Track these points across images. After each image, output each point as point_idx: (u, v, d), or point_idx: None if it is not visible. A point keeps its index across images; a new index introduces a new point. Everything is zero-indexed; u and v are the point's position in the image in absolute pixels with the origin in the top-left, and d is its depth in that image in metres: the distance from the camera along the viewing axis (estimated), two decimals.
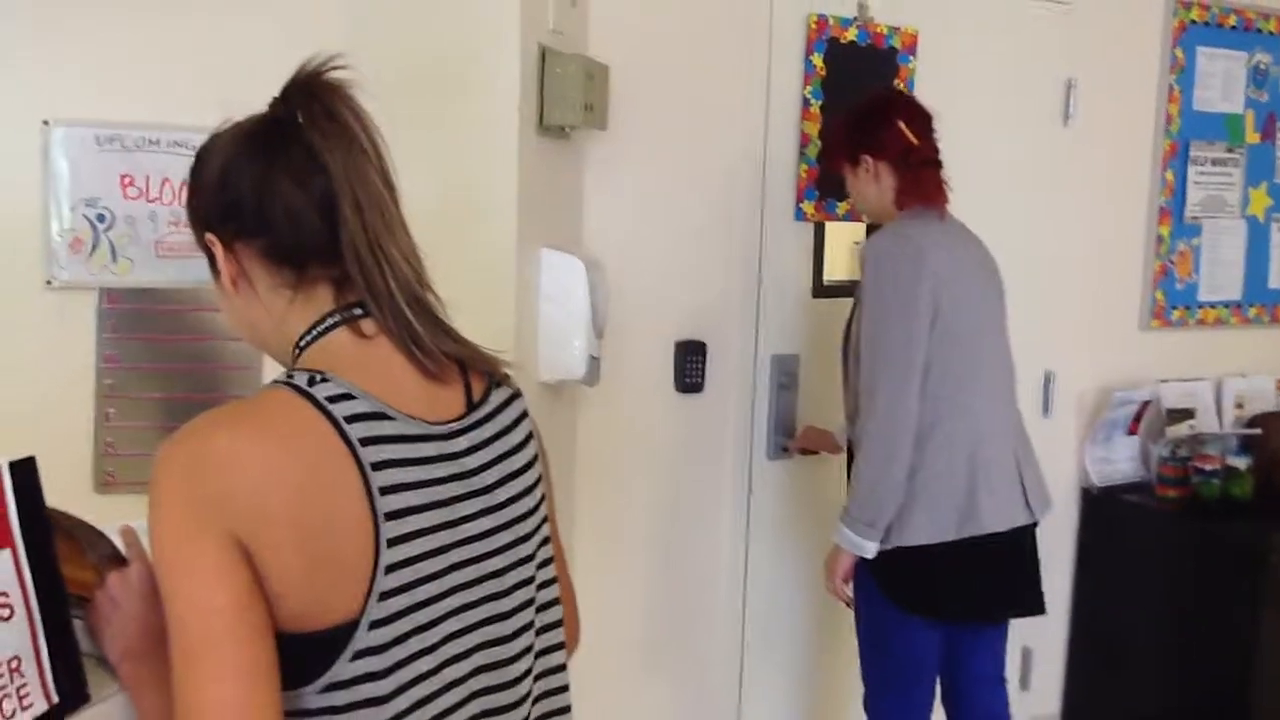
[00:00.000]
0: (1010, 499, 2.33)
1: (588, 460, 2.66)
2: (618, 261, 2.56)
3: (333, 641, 0.96)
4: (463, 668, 1.06)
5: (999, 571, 2.36)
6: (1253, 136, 3.54)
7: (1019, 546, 2.36)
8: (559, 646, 1.20)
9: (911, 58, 2.91)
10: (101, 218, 2.02)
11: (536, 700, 1.16)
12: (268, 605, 0.94)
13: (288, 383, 1.00)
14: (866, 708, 2.50)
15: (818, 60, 2.78)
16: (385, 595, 0.98)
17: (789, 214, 2.82)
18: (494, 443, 1.11)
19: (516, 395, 1.18)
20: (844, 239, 3.03)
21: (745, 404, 2.83)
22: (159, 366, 2.09)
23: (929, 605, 2.33)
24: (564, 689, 1.22)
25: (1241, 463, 3.20)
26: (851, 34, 2.82)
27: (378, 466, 0.98)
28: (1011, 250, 3.10)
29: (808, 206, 2.83)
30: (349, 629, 0.96)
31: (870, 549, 2.27)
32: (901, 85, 2.90)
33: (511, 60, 2.11)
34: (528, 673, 1.13)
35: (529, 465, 1.15)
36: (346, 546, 0.96)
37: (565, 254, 2.29)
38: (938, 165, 2.38)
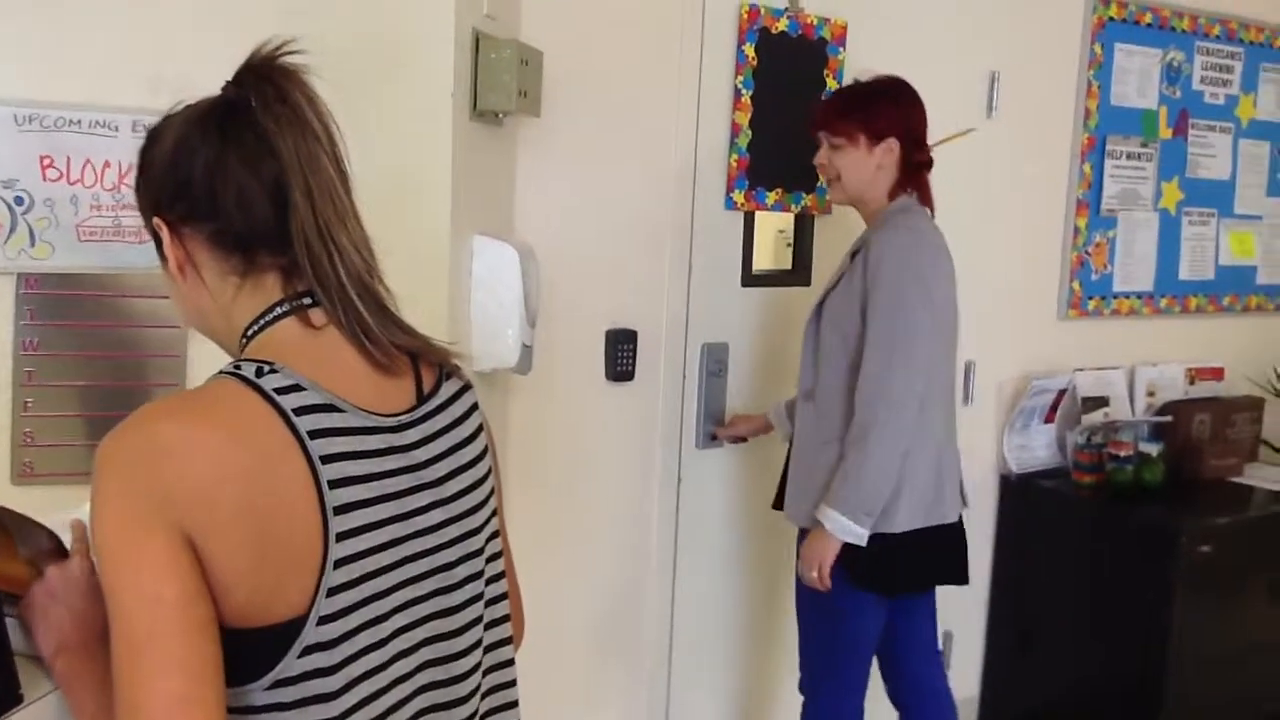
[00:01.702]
0: (958, 497, 2.47)
1: (519, 448, 2.65)
2: (550, 249, 2.55)
3: (280, 637, 0.95)
4: (410, 662, 1.05)
5: (948, 551, 2.46)
6: (1165, 132, 3.64)
7: (959, 529, 2.49)
8: (507, 641, 1.20)
9: (841, 49, 2.94)
10: (20, 200, 1.95)
11: (486, 694, 1.16)
12: (214, 600, 0.92)
13: (235, 373, 0.98)
14: (803, 689, 2.54)
15: (749, 50, 2.80)
16: (334, 590, 0.97)
17: (719, 203, 2.83)
18: (445, 435, 1.10)
19: (467, 387, 1.17)
20: (772, 228, 3.06)
21: (675, 392, 2.84)
22: (80, 354, 2.03)
23: (886, 582, 2.39)
24: (512, 684, 1.21)
25: (1153, 449, 3.30)
26: (783, 24, 2.84)
27: (327, 459, 0.97)
28: None
29: (738, 196, 2.84)
30: (297, 624, 0.95)
31: (863, 537, 2.28)
32: (830, 77, 2.93)
33: (445, 45, 2.08)
34: (476, 667, 1.12)
35: (479, 458, 1.14)
36: (294, 540, 0.95)
37: (498, 241, 2.28)
38: (931, 167, 2.44)
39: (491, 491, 1.17)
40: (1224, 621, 3.10)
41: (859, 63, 2.95)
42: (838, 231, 3.02)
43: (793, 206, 2.94)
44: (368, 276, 1.07)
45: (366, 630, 1.00)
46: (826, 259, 3.03)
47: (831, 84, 2.94)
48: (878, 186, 2.40)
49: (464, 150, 2.16)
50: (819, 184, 2.95)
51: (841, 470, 2.29)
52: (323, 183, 1.04)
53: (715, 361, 2.87)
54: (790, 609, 3.12)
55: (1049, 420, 3.44)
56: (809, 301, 3.00)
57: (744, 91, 2.81)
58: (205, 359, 2.18)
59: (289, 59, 1.10)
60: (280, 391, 0.97)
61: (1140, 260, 3.65)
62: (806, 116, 2.50)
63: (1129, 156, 3.56)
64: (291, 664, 0.95)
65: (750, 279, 2.93)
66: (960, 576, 2.52)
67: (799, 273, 3.03)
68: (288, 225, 1.03)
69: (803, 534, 2.44)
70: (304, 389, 0.98)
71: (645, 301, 2.77)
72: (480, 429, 1.16)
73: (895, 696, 2.63)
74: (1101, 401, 3.50)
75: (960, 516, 2.48)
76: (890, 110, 2.39)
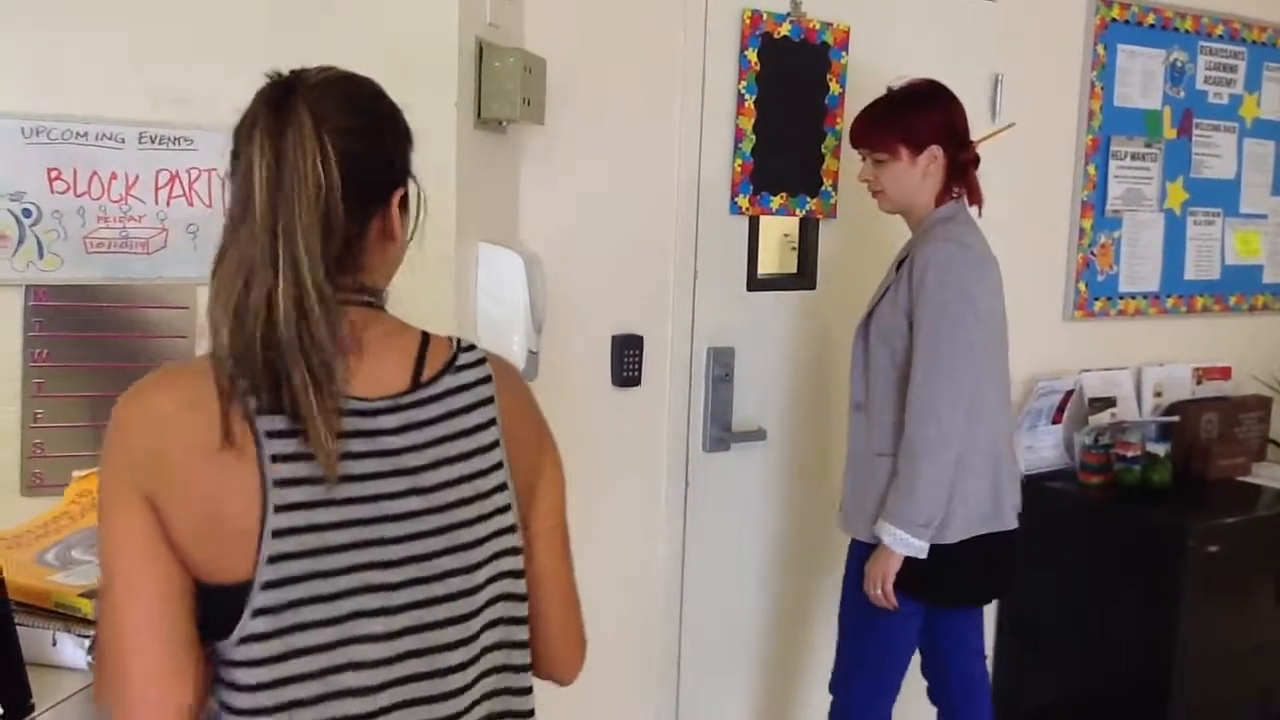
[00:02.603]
0: (1016, 502, 2.46)
1: None
2: (554, 256, 2.56)
3: (236, 597, 1.01)
4: (384, 649, 1.06)
5: (1002, 561, 2.45)
6: (1170, 132, 3.63)
7: (1016, 539, 2.46)
8: (522, 644, 1.18)
9: (844, 53, 2.94)
10: (27, 212, 1.96)
11: (489, 696, 1.15)
12: (180, 555, 1.02)
13: (207, 360, 1.05)
14: (834, 688, 2.56)
15: (752, 55, 2.80)
16: (276, 559, 1.01)
17: (724, 208, 2.84)
18: (434, 425, 1.10)
19: (485, 380, 1.16)
20: (777, 232, 3.06)
21: (682, 397, 2.84)
22: (88, 365, 2.04)
23: (931, 592, 2.38)
24: (524, 690, 1.19)
25: (1161, 449, 3.30)
26: (785, 29, 2.85)
27: (272, 435, 1.02)
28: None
29: (742, 200, 2.85)
30: (246, 588, 1.01)
31: (922, 549, 2.28)
32: (833, 81, 2.93)
33: (449, 54, 2.09)
34: (470, 663, 1.11)
35: (478, 452, 1.13)
36: (233, 508, 1.01)
37: (503, 248, 2.29)
38: (978, 163, 2.43)
39: (498, 488, 1.14)
40: (1232, 621, 3.09)
41: (862, 67, 2.96)
42: (843, 235, 3.03)
43: (797, 211, 2.95)
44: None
45: (316, 604, 1.03)
46: (831, 263, 3.04)
47: (835, 88, 2.94)
48: (924, 194, 2.40)
49: (468, 158, 2.17)
50: (823, 187, 2.96)
51: (895, 485, 2.31)
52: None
53: (722, 366, 2.87)
54: (803, 611, 3.14)
55: (1056, 421, 3.44)
56: (814, 305, 3.02)
57: (747, 96, 2.81)
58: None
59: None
60: (234, 374, 1.03)
61: (1146, 261, 3.65)
62: (851, 132, 2.52)
63: (1133, 157, 3.56)
64: (248, 624, 1.01)
65: (756, 283, 2.93)
66: (1008, 585, 2.54)
67: (804, 276, 3.03)
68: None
69: (854, 543, 2.48)
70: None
71: (651, 307, 2.77)
72: (490, 423, 1.14)
73: (935, 695, 2.65)
74: (1108, 402, 3.50)
75: (1018, 525, 2.47)
76: (928, 116, 2.38)
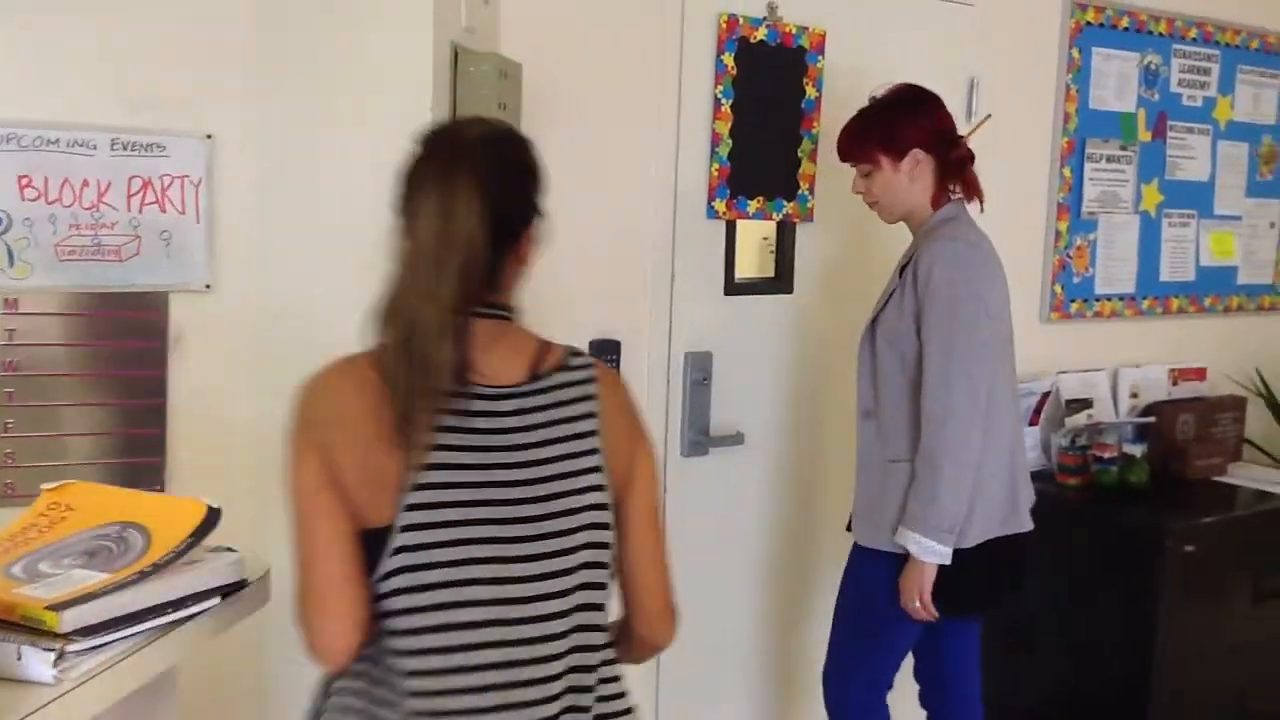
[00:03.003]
0: (1030, 503, 2.45)
1: None
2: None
3: (382, 539, 1.27)
4: (493, 591, 1.29)
5: (1018, 563, 2.43)
6: (1144, 135, 3.66)
7: (1032, 540, 2.45)
8: (599, 606, 1.39)
9: (820, 57, 2.95)
10: None
11: (571, 649, 1.34)
12: (346, 500, 1.28)
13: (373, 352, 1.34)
14: (828, 680, 2.54)
15: (728, 59, 2.80)
16: (413, 507, 1.27)
17: (701, 212, 2.83)
18: (544, 411, 1.35)
19: (591, 380, 1.40)
20: (756, 236, 3.06)
21: (660, 402, 2.84)
22: (60, 374, 2.02)
23: (952, 601, 2.32)
24: (601, 646, 1.39)
25: (1137, 450, 3.32)
26: (761, 34, 2.85)
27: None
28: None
29: (719, 205, 2.84)
30: (388, 531, 1.26)
31: (947, 555, 2.25)
32: (810, 85, 2.94)
33: (423, 59, 2.09)
34: (555, 615, 1.32)
35: (577, 436, 1.36)
36: (387, 463, 1.27)
37: None
38: (973, 159, 2.41)
39: (593, 469, 1.37)
40: (1210, 620, 3.11)
41: (839, 70, 2.96)
42: (820, 239, 3.04)
43: (774, 215, 2.95)
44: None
45: (442, 548, 1.27)
46: (809, 266, 3.04)
47: (811, 92, 2.95)
48: (917, 198, 2.39)
49: None
50: (800, 191, 2.96)
51: (915, 492, 2.27)
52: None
53: (699, 370, 2.87)
54: (784, 616, 3.13)
55: (1033, 423, 3.44)
56: (792, 309, 3.02)
57: (724, 101, 2.81)
58: (187, 377, 2.18)
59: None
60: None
61: (1121, 262, 3.67)
62: (836, 146, 2.52)
63: (1109, 159, 3.57)
64: (389, 561, 1.26)
65: (733, 287, 2.93)
66: (1010, 596, 2.51)
67: (782, 280, 3.03)
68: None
69: (858, 548, 2.45)
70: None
71: (628, 311, 2.76)
72: (589, 415, 1.38)
73: (929, 700, 2.64)
74: (1085, 404, 3.51)
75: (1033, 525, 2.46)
76: (905, 121, 2.38)
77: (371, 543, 1.28)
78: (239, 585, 1.40)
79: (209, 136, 2.18)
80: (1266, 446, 3.96)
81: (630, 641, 1.49)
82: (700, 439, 2.88)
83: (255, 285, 2.23)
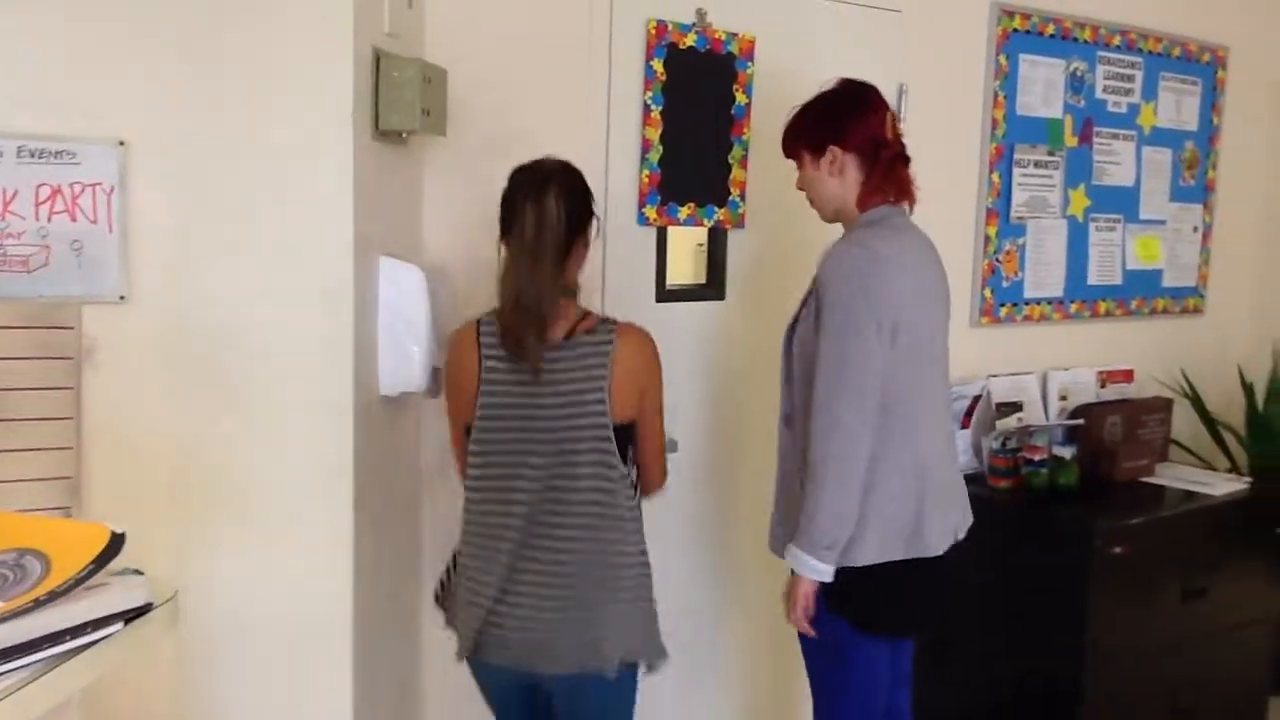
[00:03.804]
0: (953, 520, 2.34)
1: (434, 476, 2.60)
2: (460, 269, 2.52)
3: (469, 429, 2.12)
4: (539, 472, 2.06)
5: (926, 591, 2.33)
6: (1071, 140, 3.70)
7: (947, 566, 2.35)
8: (612, 466, 2.08)
9: (750, 63, 2.94)
10: None
11: (593, 493, 2.07)
12: (458, 410, 2.17)
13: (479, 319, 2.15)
14: None
15: (658, 66, 2.79)
16: (480, 417, 2.10)
17: (631, 219, 2.81)
18: (562, 365, 2.05)
19: (604, 342, 2.06)
20: (689, 242, 3.05)
21: None
22: None
23: (875, 622, 2.28)
24: (616, 490, 2.09)
25: (1067, 452, 3.35)
26: (691, 39, 2.84)
27: (486, 357, 2.09)
28: (812, 249, 3.17)
29: (650, 211, 2.83)
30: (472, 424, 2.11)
31: (827, 573, 2.19)
32: (739, 91, 2.93)
33: (344, 64, 2.05)
34: (582, 476, 2.06)
35: (589, 378, 2.04)
36: (469, 385, 2.11)
37: (404, 263, 2.24)
38: (907, 160, 2.32)
39: (597, 399, 2.04)
40: (1139, 619, 3.15)
41: (769, 76, 2.96)
42: (752, 245, 3.03)
43: (705, 221, 2.94)
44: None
45: (499, 439, 2.09)
46: (741, 273, 3.03)
47: (741, 98, 2.94)
48: (841, 198, 2.30)
49: (366, 170, 2.12)
50: (731, 197, 2.95)
51: (801, 506, 2.20)
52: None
53: None
54: (712, 626, 3.12)
55: (964, 426, 3.47)
56: (724, 315, 3.01)
57: (653, 107, 2.80)
58: (100, 392, 2.12)
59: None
60: (484, 326, 2.12)
61: (1050, 266, 3.71)
62: (783, 135, 2.43)
63: (1036, 165, 3.61)
64: (470, 447, 2.12)
65: (665, 294, 2.92)
66: (933, 623, 2.42)
67: (714, 287, 3.02)
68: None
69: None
70: (493, 325, 2.10)
71: None
72: (601, 364, 2.05)
73: None
74: (1015, 406, 3.54)
75: (949, 550, 2.35)
76: (823, 117, 2.31)
77: (469, 431, 2.11)
78: (143, 609, 1.34)
79: (121, 143, 2.11)
80: (1192, 447, 4.03)
81: (641, 486, 2.19)
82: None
83: (173, 296, 2.17)
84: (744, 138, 2.96)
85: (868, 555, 2.20)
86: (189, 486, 2.19)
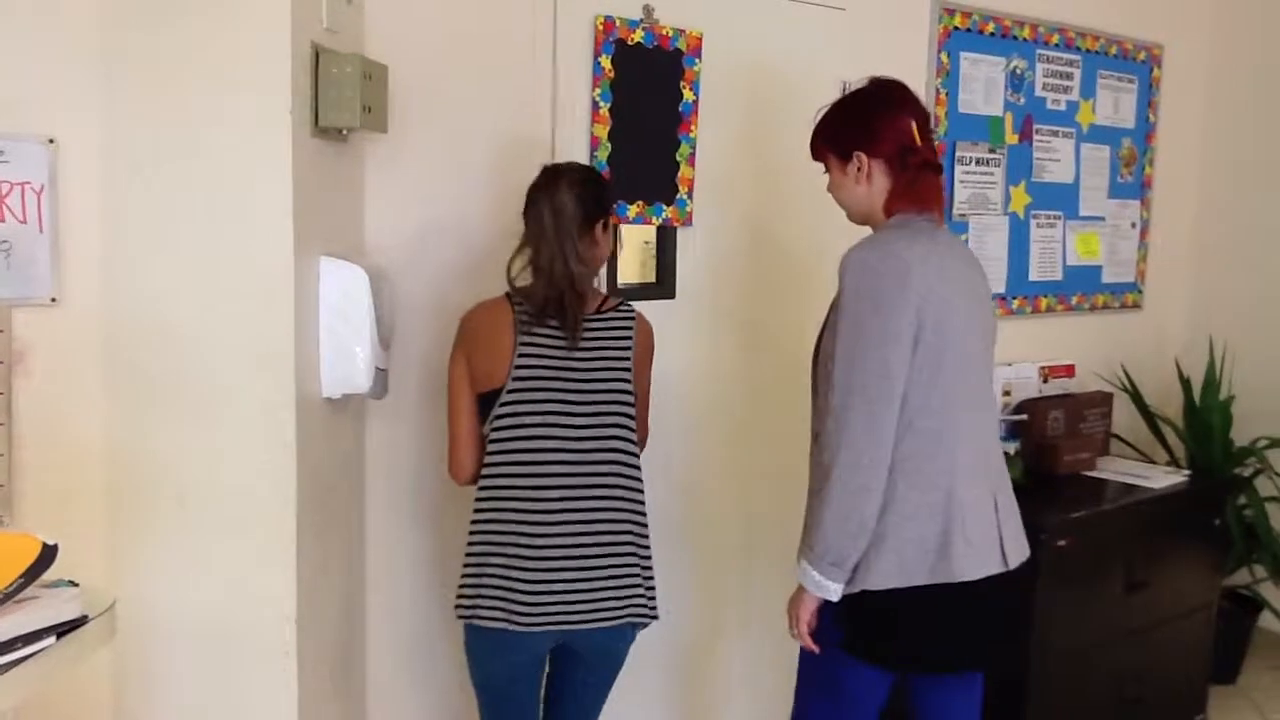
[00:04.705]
0: (986, 545, 2.11)
1: (380, 478, 2.57)
2: (404, 269, 2.48)
3: (495, 396, 2.19)
4: (575, 433, 2.20)
5: (961, 622, 2.12)
6: (1012, 138, 3.74)
7: (985, 596, 2.12)
8: (630, 429, 2.27)
9: (697, 60, 2.93)
10: None
11: (612, 456, 2.24)
12: (473, 377, 2.25)
13: (506, 294, 2.27)
14: None
15: (606, 62, 2.77)
16: (515, 377, 2.19)
17: None
18: (601, 333, 2.25)
19: (630, 317, 2.30)
20: (635, 241, 3.03)
21: None
22: None
23: (882, 653, 2.12)
24: (634, 454, 2.28)
25: (1011, 447, 3.38)
26: (638, 36, 2.82)
27: (523, 328, 2.21)
28: (794, 248, 3.17)
29: None
30: (500, 390, 2.19)
31: (835, 591, 2.04)
32: (687, 88, 2.92)
33: (281, 60, 2.00)
34: (587, 456, 2.21)
35: (619, 349, 2.26)
36: (504, 349, 2.20)
37: (346, 262, 2.20)
38: (938, 169, 2.17)
39: (625, 369, 2.26)
40: (1083, 612, 3.18)
41: (716, 73, 2.95)
42: (701, 243, 3.01)
43: (654, 219, 2.92)
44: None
45: (529, 404, 2.19)
46: (691, 271, 3.02)
47: (689, 95, 2.92)
48: (868, 204, 2.17)
49: (306, 169, 2.07)
50: (679, 195, 2.94)
51: (811, 516, 2.08)
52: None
53: None
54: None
55: None
56: (674, 314, 2.98)
57: (602, 104, 2.78)
58: (31, 396, 2.06)
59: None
60: (515, 300, 2.25)
61: (992, 263, 3.73)
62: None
63: (978, 162, 3.64)
64: (498, 410, 2.19)
65: (615, 293, 2.89)
66: (975, 658, 2.21)
67: (664, 285, 3.00)
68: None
69: None
70: (526, 299, 2.25)
71: None
72: (628, 338, 2.28)
73: None
74: None
75: (997, 579, 2.11)
76: (846, 124, 2.19)
77: (489, 399, 2.20)
78: (78, 622, 1.30)
79: (51, 141, 2.05)
80: (1133, 440, 4.09)
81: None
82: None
83: (106, 298, 2.12)
84: (691, 135, 2.94)
85: (886, 579, 2.03)
86: (125, 493, 2.13)
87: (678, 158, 2.94)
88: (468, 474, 2.27)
